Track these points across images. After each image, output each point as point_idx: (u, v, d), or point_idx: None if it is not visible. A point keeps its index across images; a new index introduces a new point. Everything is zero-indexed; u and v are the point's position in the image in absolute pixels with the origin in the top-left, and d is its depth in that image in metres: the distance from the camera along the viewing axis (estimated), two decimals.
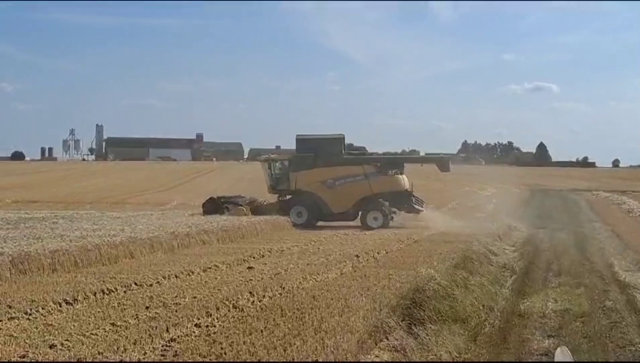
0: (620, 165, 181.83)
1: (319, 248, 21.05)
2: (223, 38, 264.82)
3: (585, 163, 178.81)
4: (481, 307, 12.63)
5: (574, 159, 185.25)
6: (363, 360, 9.39)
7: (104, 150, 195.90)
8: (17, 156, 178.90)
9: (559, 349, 10.24)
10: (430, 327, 10.58)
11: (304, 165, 32.43)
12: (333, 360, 9.01)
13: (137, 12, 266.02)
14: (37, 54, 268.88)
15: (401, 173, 32.98)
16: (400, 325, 10.76)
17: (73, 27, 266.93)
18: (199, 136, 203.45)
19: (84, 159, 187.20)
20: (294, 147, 33.95)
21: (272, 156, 35.60)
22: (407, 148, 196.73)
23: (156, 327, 10.17)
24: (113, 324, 10.37)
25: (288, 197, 32.79)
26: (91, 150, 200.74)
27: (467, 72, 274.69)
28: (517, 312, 13.57)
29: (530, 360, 10.77)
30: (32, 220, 24.84)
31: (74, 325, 10.26)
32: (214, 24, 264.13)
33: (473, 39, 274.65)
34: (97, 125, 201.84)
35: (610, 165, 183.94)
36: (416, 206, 32.43)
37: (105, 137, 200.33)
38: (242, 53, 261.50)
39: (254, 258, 18.66)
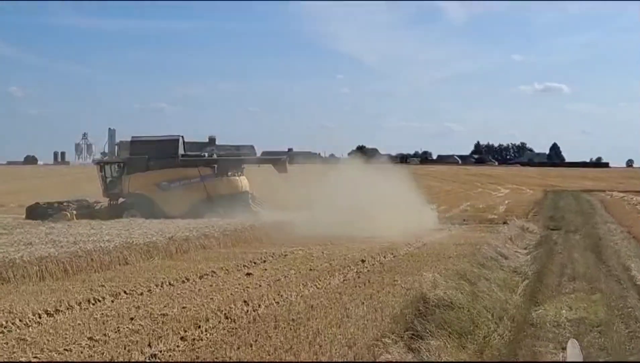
0: (634, 165, 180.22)
1: (323, 252, 20.28)
2: (232, 40, 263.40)
3: (598, 163, 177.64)
4: (490, 317, 11.78)
5: (588, 160, 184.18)
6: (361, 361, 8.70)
7: (116, 154, 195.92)
8: (30, 160, 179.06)
9: (569, 342, 9.49)
10: (434, 341, 9.75)
11: (138, 168, 31.77)
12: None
13: (147, 14, 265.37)
14: (47, 58, 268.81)
15: (240, 175, 32.17)
16: (401, 338, 9.95)
17: (83, 31, 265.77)
18: (212, 139, 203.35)
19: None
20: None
21: (105, 159, 34.82)
22: (419, 149, 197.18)
23: (137, 342, 9.45)
24: (91, 338, 9.66)
25: (120, 200, 31.76)
26: (103, 154, 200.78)
27: (477, 73, 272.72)
28: (529, 321, 12.73)
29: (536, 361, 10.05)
30: (29, 225, 24.30)
31: (48, 340, 9.56)
32: (223, 27, 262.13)
33: (482, 39, 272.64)
34: (109, 129, 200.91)
35: (624, 165, 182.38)
36: (253, 208, 31.49)
37: (117, 141, 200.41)
38: (252, 55, 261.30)
39: (254, 263, 17.95)
